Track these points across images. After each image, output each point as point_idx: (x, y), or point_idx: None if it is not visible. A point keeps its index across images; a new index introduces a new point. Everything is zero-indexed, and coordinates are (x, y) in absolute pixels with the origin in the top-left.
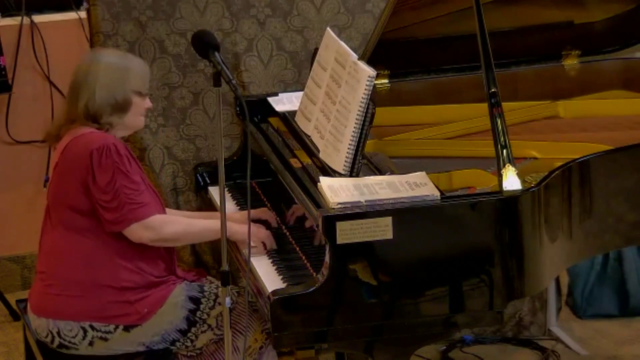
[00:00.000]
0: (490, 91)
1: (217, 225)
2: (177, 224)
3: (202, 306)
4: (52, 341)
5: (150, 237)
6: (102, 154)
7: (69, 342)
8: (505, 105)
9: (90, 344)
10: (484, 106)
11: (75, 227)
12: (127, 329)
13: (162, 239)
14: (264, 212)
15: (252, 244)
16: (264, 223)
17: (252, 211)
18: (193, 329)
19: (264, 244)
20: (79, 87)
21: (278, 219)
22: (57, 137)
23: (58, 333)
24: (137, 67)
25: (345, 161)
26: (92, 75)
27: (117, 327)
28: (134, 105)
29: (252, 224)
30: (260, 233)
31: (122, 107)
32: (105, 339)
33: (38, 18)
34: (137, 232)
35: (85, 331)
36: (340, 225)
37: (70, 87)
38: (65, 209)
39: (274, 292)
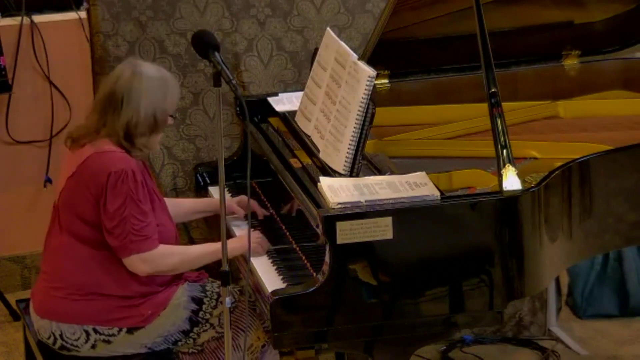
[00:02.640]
0: (490, 91)
1: (212, 248)
2: (173, 256)
3: (204, 306)
4: (54, 343)
5: (146, 271)
6: (118, 178)
7: (71, 344)
8: (505, 105)
9: (93, 346)
10: (484, 106)
11: (85, 238)
12: (130, 331)
13: (157, 272)
14: (240, 201)
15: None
16: (253, 215)
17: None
18: (195, 329)
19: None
20: (119, 101)
21: (278, 218)
22: (78, 142)
23: (61, 335)
24: (174, 88)
25: (345, 161)
26: (136, 91)
27: (120, 329)
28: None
29: (239, 242)
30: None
31: (158, 127)
32: (109, 342)
33: (38, 18)
34: (134, 263)
35: (88, 334)
36: (340, 225)
37: (107, 97)
38: (75, 218)
39: (274, 292)
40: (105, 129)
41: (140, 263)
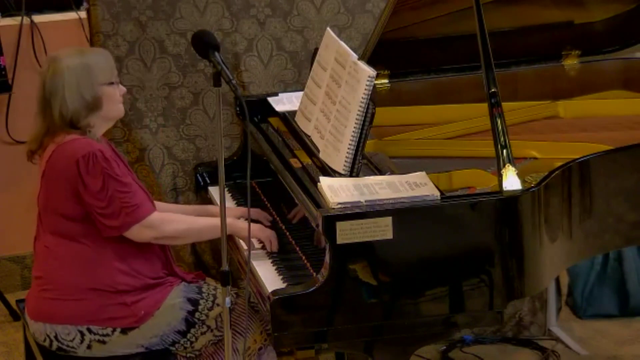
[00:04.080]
0: (490, 91)
1: (219, 222)
2: (180, 222)
3: (200, 307)
4: (51, 345)
5: (152, 236)
6: (88, 161)
7: (67, 345)
8: (505, 105)
9: (89, 347)
10: (484, 106)
11: (67, 234)
12: (124, 331)
13: (164, 237)
14: (258, 213)
15: (258, 241)
16: (258, 223)
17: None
18: (192, 330)
19: (269, 243)
20: (48, 97)
21: (278, 218)
22: (40, 148)
23: (55, 337)
24: (98, 60)
25: (345, 161)
26: (58, 81)
27: (114, 329)
28: (107, 97)
29: (258, 224)
30: (267, 231)
31: (95, 105)
32: (103, 342)
33: (38, 18)
34: (138, 232)
35: (82, 334)
36: (340, 225)
37: (39, 99)
38: (56, 216)
39: (274, 292)
40: (51, 128)
41: (143, 230)
